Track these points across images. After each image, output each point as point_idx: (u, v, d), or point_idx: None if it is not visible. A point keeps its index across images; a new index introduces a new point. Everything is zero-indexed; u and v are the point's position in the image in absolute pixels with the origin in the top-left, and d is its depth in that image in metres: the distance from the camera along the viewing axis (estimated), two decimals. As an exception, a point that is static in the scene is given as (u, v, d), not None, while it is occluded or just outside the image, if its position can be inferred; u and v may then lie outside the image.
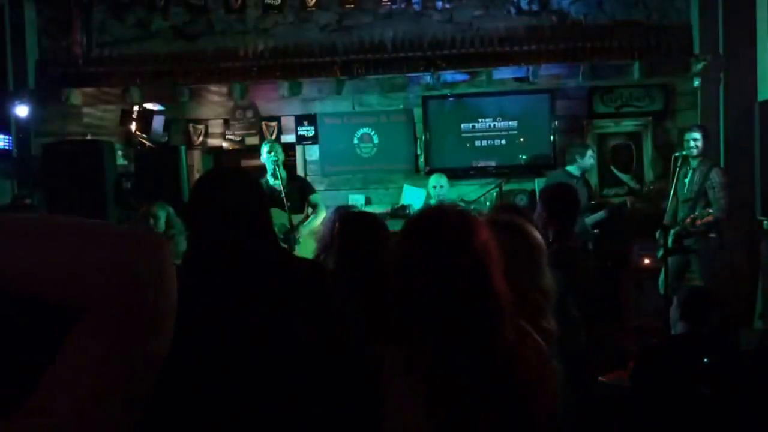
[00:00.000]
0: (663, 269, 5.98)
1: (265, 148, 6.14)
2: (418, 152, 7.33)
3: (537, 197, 4.67)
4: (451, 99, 7.27)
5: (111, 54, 7.51)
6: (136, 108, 6.99)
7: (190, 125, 7.51)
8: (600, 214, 6.30)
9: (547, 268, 2.06)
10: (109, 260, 0.74)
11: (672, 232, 5.88)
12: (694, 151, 5.85)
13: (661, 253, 5.94)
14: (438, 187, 6.50)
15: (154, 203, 4.98)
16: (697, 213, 5.72)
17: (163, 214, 4.88)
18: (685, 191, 5.94)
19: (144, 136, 6.91)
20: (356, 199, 7.23)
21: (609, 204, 6.61)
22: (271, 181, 6.04)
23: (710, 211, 5.63)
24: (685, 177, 5.96)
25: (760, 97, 6.24)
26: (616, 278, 6.45)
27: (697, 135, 5.86)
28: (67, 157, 6.46)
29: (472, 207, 6.13)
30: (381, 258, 2.77)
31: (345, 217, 3.06)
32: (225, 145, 7.57)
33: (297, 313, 2.01)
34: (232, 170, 2.82)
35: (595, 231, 6.28)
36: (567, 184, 4.84)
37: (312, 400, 1.94)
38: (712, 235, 5.73)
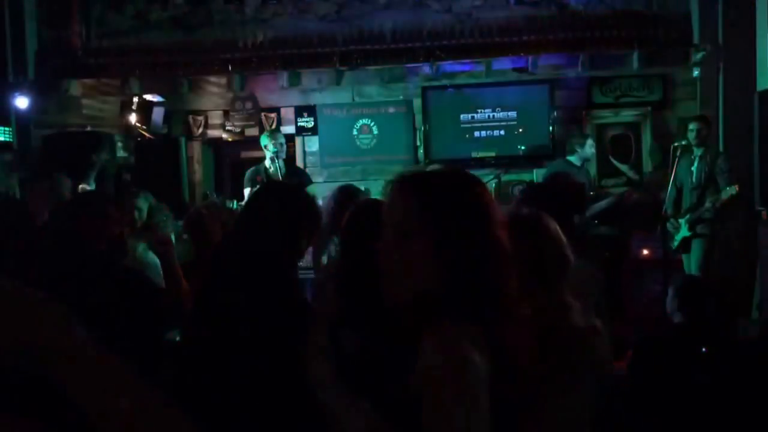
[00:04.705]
0: (685, 256, 6.11)
1: (265, 138, 6.17)
2: (418, 143, 7.34)
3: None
4: (450, 89, 7.28)
5: (110, 45, 7.50)
6: (135, 99, 6.99)
7: (190, 116, 7.52)
8: (608, 200, 6.33)
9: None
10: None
11: (687, 218, 6.00)
12: (697, 141, 5.94)
13: (677, 240, 6.08)
14: None
15: (136, 195, 5.10)
16: (713, 197, 5.87)
17: (145, 205, 5.00)
18: (693, 179, 6.02)
19: (143, 127, 6.91)
20: (356, 190, 7.23)
21: (607, 195, 6.64)
22: (271, 169, 6.06)
23: (728, 188, 5.77)
24: (691, 165, 6.04)
25: (759, 87, 6.24)
26: (615, 268, 6.47)
27: (699, 125, 5.97)
28: (67, 148, 6.46)
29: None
30: None
31: (358, 206, 2.99)
32: (224, 136, 7.58)
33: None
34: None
35: (595, 221, 6.30)
36: (567, 174, 4.86)
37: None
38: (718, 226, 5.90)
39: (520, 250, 1.74)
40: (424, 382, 1.24)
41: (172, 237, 5.13)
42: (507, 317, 1.31)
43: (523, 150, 7.20)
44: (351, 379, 1.91)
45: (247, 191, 5.98)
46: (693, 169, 6.05)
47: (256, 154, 6.60)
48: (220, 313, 2.15)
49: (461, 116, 7.23)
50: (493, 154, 7.21)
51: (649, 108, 7.07)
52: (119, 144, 7.13)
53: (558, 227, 1.87)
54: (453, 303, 1.29)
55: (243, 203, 5.45)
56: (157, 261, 4.71)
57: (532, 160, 7.16)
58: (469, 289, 1.29)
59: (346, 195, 3.99)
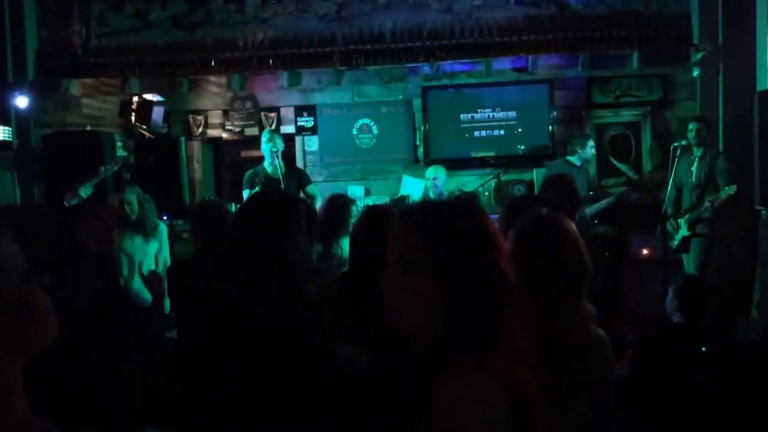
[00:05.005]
0: (685, 256, 6.12)
1: (264, 138, 6.17)
2: (417, 143, 7.34)
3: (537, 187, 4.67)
4: (450, 89, 7.28)
5: (110, 44, 7.50)
6: (135, 99, 6.99)
7: (190, 116, 7.53)
8: (608, 200, 6.36)
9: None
10: None
11: (686, 218, 6.01)
12: (696, 141, 5.97)
13: (677, 240, 6.08)
14: (434, 179, 6.47)
15: (124, 190, 5.16)
16: (711, 197, 5.90)
17: (134, 197, 5.12)
18: (693, 179, 6.05)
19: (143, 127, 6.91)
20: (355, 190, 7.24)
21: (607, 194, 6.65)
22: (270, 170, 6.06)
23: (727, 188, 5.80)
24: (691, 166, 6.07)
25: (759, 87, 6.24)
26: (615, 268, 6.48)
27: (699, 125, 5.99)
28: (67, 148, 6.45)
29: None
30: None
31: (367, 211, 3.02)
32: (224, 135, 7.58)
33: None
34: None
35: (595, 221, 6.31)
36: (566, 174, 4.86)
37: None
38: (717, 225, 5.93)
39: (538, 253, 1.74)
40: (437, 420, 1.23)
41: (160, 225, 5.24)
42: (510, 356, 1.30)
43: (522, 150, 7.20)
44: (352, 398, 1.91)
45: (245, 193, 5.99)
46: (693, 169, 6.08)
47: (256, 153, 6.59)
48: (219, 313, 2.14)
49: (461, 116, 7.23)
50: (492, 153, 7.21)
51: (649, 108, 7.08)
52: (119, 144, 7.13)
53: (576, 230, 1.85)
54: (455, 339, 1.28)
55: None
56: (149, 297, 4.91)
57: (531, 160, 7.16)
58: (471, 327, 1.28)
59: (337, 205, 4.16)
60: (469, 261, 1.30)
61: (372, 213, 2.98)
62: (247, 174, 6.21)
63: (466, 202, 1.45)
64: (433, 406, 1.24)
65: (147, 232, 5.13)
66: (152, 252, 5.20)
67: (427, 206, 1.43)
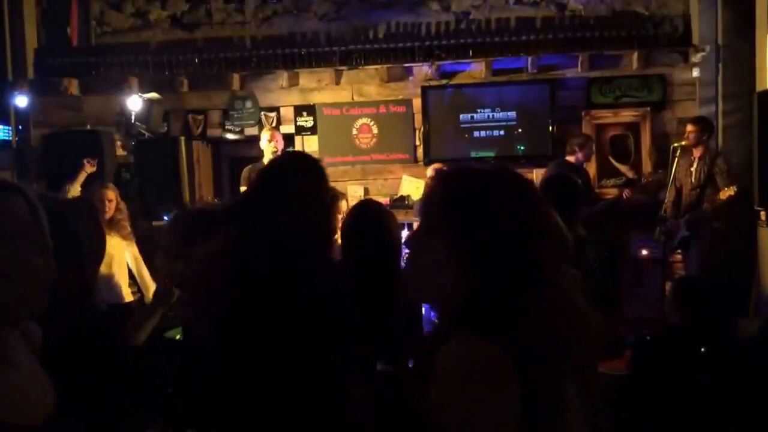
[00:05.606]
0: (683, 257, 6.13)
1: (264, 136, 6.17)
2: (417, 143, 7.33)
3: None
4: (449, 89, 7.28)
5: (109, 44, 7.51)
6: (135, 98, 6.98)
7: (189, 116, 7.51)
8: (607, 201, 6.38)
9: None
10: None
11: (686, 218, 6.05)
12: (695, 141, 6.00)
13: (677, 240, 6.08)
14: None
15: (105, 186, 5.10)
16: (711, 197, 5.91)
17: (114, 196, 5.05)
18: (692, 180, 6.05)
19: (143, 126, 6.90)
20: (355, 190, 7.24)
21: (607, 196, 6.66)
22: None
23: (726, 189, 5.81)
24: (690, 166, 6.08)
25: (759, 87, 6.25)
26: (614, 268, 6.47)
27: (698, 126, 6.00)
28: (67, 148, 6.45)
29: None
30: (390, 249, 2.72)
31: (357, 207, 3.00)
32: (224, 135, 7.57)
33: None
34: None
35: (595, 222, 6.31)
36: (566, 174, 4.86)
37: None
38: (716, 225, 5.91)
39: None
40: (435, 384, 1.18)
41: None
42: (530, 332, 1.20)
43: (522, 150, 7.19)
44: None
45: (243, 189, 5.97)
46: (692, 169, 6.08)
47: (256, 153, 6.58)
48: (250, 317, 1.97)
49: (461, 116, 7.22)
50: (492, 154, 7.21)
51: (649, 108, 7.07)
52: (119, 143, 7.13)
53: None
54: (467, 310, 1.22)
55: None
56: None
57: (531, 160, 7.15)
58: (485, 303, 1.21)
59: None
60: (489, 234, 1.22)
61: (363, 208, 2.97)
62: (245, 170, 6.18)
63: (505, 171, 1.33)
64: (433, 375, 1.18)
65: (122, 236, 5.03)
66: (128, 255, 5.12)
67: (462, 169, 1.33)
